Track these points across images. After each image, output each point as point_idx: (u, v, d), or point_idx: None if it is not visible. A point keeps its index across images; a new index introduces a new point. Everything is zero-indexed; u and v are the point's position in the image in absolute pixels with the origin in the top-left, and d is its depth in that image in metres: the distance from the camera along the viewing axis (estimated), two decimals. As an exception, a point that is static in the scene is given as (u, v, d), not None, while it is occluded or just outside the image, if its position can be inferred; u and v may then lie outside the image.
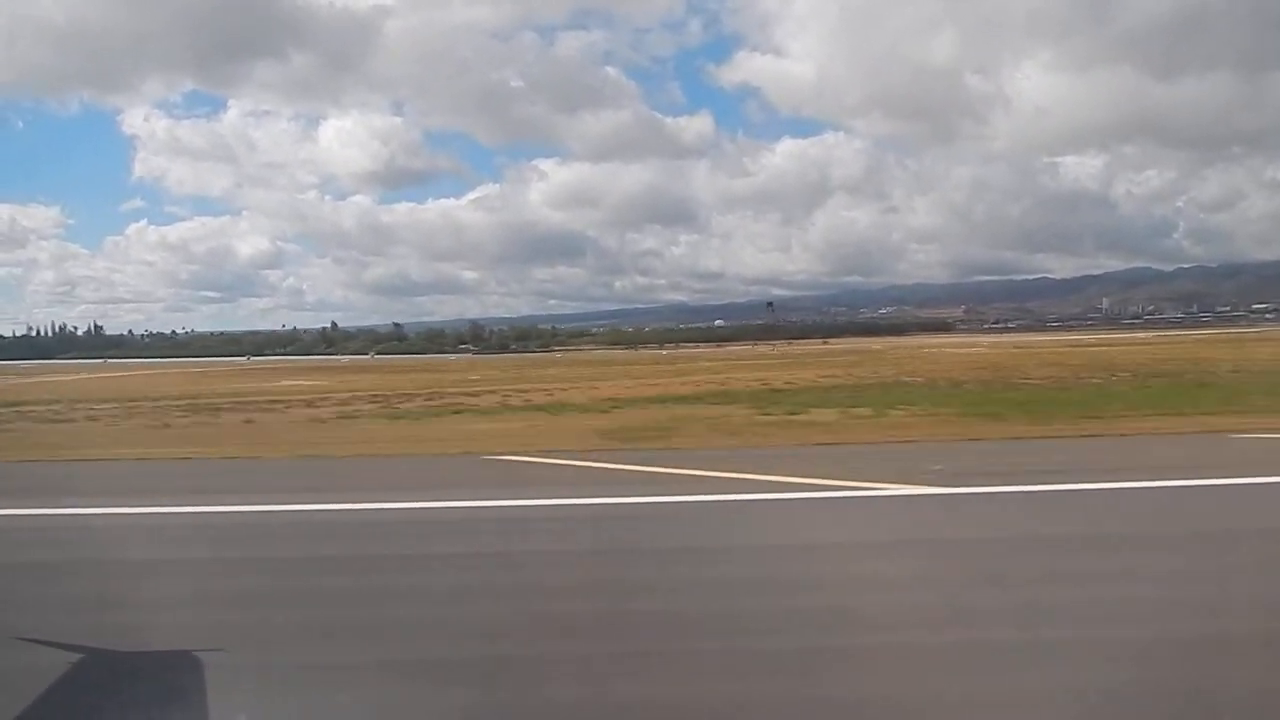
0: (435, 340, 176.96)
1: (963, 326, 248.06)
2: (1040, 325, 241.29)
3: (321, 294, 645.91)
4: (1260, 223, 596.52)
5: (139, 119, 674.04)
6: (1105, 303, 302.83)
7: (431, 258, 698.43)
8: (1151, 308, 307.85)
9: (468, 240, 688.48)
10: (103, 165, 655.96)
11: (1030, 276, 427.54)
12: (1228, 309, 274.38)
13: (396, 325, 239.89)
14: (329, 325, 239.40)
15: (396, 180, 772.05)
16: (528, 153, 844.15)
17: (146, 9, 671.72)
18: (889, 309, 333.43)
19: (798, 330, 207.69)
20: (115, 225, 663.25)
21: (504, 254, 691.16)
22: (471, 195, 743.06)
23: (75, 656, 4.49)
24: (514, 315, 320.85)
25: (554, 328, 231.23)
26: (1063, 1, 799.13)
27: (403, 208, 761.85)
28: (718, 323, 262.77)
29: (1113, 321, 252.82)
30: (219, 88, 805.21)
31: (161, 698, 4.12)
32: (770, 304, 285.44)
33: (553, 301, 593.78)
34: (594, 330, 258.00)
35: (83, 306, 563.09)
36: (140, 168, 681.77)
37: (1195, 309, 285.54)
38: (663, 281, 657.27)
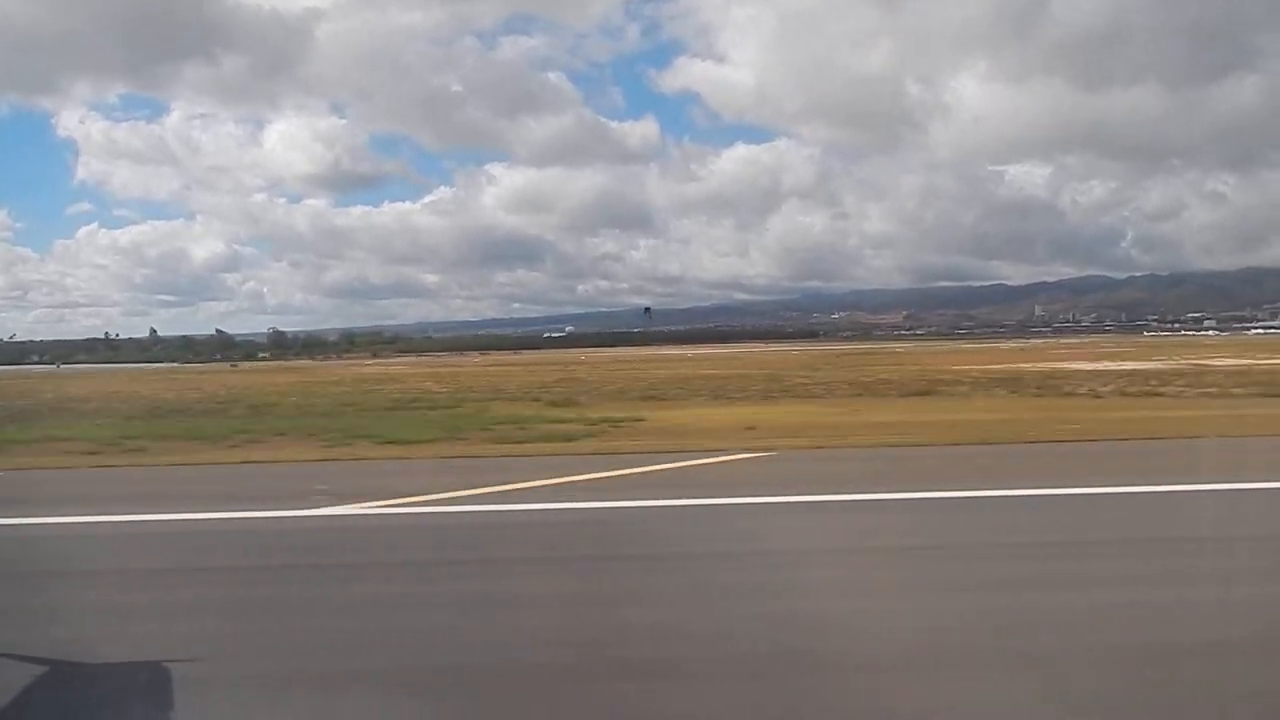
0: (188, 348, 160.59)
1: (879, 333, 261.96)
2: (949, 333, 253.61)
3: (282, 297, 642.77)
4: (1204, 233, 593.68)
5: (74, 121, 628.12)
6: (1037, 309, 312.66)
7: (390, 261, 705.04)
8: (1094, 315, 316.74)
9: (425, 244, 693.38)
10: (43, 168, 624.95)
11: (987, 283, 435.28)
12: (1155, 318, 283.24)
13: (226, 332, 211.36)
14: (149, 331, 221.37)
15: (343, 184, 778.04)
16: (474, 157, 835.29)
17: (71, 9, 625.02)
18: (841, 314, 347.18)
19: (683, 336, 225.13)
20: (64, 228, 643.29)
21: (462, 257, 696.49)
22: (428, 199, 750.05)
23: None
24: (478, 319, 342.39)
25: (352, 338, 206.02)
26: (996, 14, 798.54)
27: (357, 211, 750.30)
28: (568, 329, 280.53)
29: (1022, 330, 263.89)
30: (150, 90, 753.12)
31: None
32: (647, 309, 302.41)
33: (516, 305, 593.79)
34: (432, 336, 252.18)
35: (38, 311, 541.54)
36: (83, 170, 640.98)
37: (1124, 318, 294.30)
38: (625, 285, 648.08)
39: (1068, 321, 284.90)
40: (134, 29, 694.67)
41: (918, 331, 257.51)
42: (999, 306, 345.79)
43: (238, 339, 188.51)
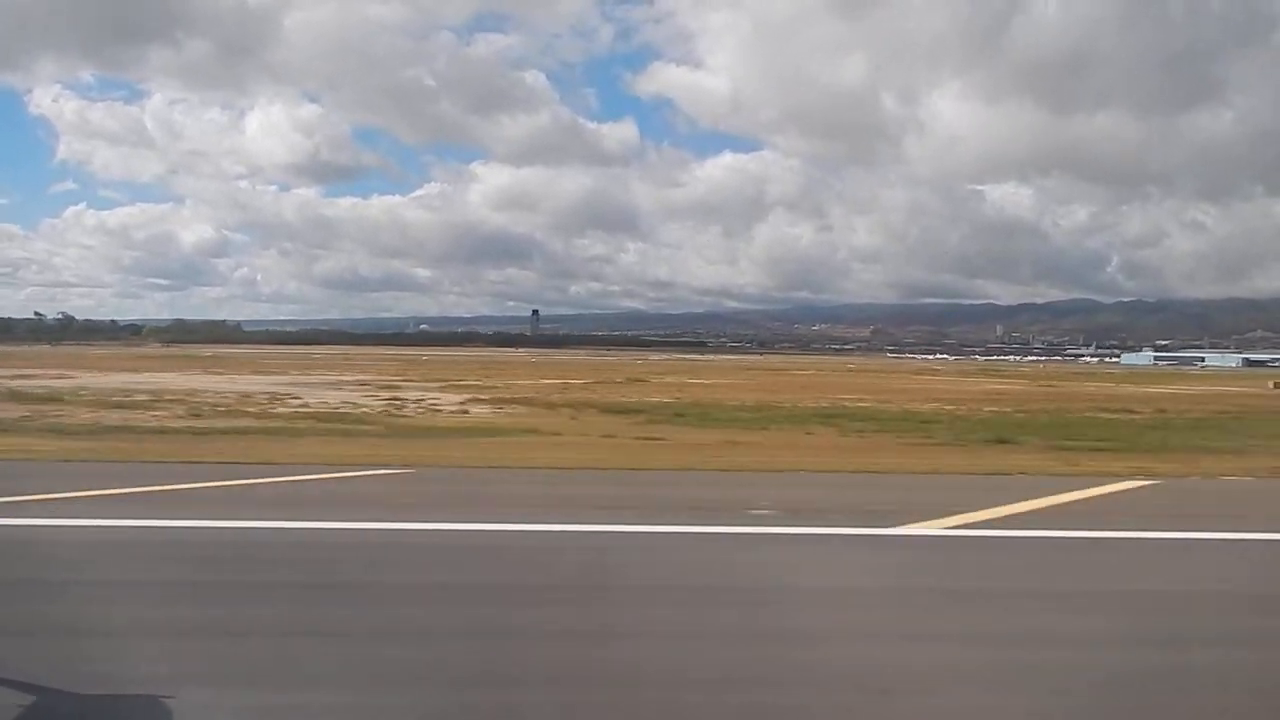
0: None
1: (821, 347, 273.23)
2: (886, 350, 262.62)
3: (275, 286, 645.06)
4: (1186, 261, 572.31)
5: (47, 99, 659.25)
6: (999, 329, 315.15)
7: (381, 254, 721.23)
8: (1066, 338, 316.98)
9: (414, 238, 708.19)
10: (19, 145, 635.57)
11: (977, 301, 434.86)
12: (1115, 344, 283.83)
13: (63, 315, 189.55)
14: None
15: (323, 173, 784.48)
16: (453, 153, 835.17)
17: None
18: (822, 326, 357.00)
19: (569, 339, 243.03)
20: (50, 207, 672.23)
21: (449, 253, 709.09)
22: (417, 193, 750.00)
23: None
24: (471, 315, 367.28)
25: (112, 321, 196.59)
26: (973, 35, 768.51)
27: (346, 202, 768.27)
28: (422, 327, 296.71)
29: (958, 349, 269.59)
30: (116, 71, 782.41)
31: None
32: (535, 311, 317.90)
33: (510, 303, 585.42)
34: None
35: (29, 289, 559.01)
36: (64, 150, 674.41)
37: (1081, 340, 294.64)
38: (616, 288, 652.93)
39: (1019, 343, 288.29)
40: (101, 8, 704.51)
41: (847, 347, 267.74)
42: (979, 325, 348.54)
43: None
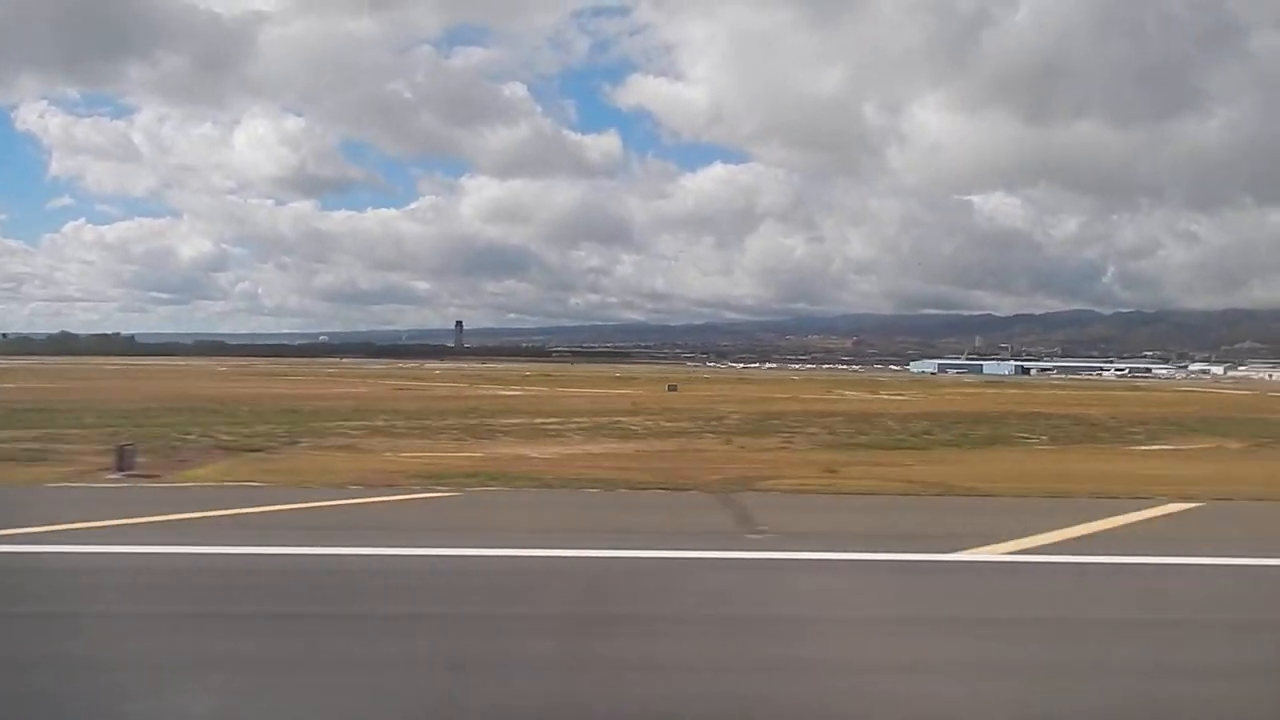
0: None
1: (780, 358, 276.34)
2: (844, 361, 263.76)
3: (277, 300, 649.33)
4: (1182, 272, 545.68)
5: (33, 115, 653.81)
6: (978, 340, 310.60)
7: (377, 267, 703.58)
8: (1056, 349, 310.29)
9: (409, 251, 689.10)
10: (11, 161, 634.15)
11: (974, 313, 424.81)
12: (1096, 353, 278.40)
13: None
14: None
15: (309, 187, 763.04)
16: (439, 165, 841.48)
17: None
18: (814, 336, 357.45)
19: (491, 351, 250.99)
20: (49, 222, 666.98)
21: (446, 265, 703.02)
22: (411, 205, 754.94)
23: None
24: (471, 328, 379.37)
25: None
26: (954, 46, 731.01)
27: (340, 215, 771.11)
28: (322, 338, 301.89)
29: (919, 359, 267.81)
30: (98, 86, 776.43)
31: None
32: (459, 323, 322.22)
33: (512, 315, 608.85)
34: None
35: (34, 304, 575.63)
36: (56, 165, 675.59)
37: (1060, 351, 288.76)
38: (615, 299, 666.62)
39: (978, 354, 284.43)
40: (76, 23, 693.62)
41: (798, 358, 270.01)
42: (970, 337, 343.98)
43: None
